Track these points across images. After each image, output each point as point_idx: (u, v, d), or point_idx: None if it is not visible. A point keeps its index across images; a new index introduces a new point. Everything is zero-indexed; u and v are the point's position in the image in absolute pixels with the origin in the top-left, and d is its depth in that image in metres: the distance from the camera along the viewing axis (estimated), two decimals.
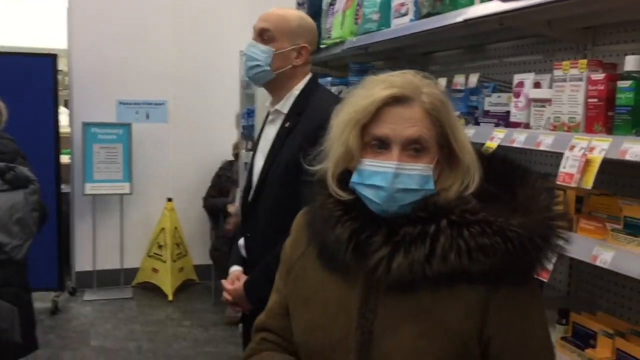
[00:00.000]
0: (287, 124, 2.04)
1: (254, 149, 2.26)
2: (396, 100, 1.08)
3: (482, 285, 1.06)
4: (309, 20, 2.12)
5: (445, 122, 1.10)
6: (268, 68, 2.05)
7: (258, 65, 2.06)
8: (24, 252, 1.94)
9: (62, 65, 5.82)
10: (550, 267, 1.47)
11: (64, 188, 5.50)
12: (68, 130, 5.62)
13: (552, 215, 1.09)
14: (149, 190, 5.61)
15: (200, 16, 5.62)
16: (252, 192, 2.13)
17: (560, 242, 1.09)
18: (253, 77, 2.12)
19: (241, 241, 2.19)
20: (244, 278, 2.11)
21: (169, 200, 5.51)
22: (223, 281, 2.19)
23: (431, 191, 1.09)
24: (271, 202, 2.03)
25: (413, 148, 1.08)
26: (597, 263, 1.42)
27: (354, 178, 1.12)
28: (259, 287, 1.94)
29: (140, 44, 5.53)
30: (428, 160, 1.09)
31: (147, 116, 5.65)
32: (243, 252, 2.17)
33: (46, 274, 4.97)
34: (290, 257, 1.29)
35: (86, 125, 5.31)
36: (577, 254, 1.49)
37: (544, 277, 1.52)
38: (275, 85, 2.10)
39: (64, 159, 5.56)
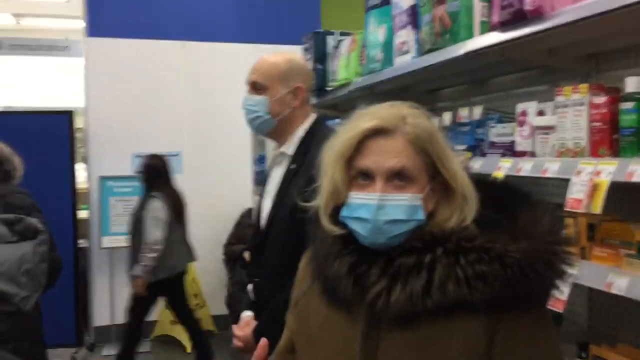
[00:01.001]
0: (292, 166, 2.04)
1: (261, 192, 2.25)
2: (378, 132, 1.09)
3: (485, 314, 1.03)
4: (298, 59, 2.14)
5: (432, 151, 1.08)
6: (268, 116, 2.06)
7: (258, 116, 2.07)
8: (32, 303, 1.93)
9: (80, 123, 5.94)
10: (563, 296, 1.43)
11: (83, 243, 5.55)
12: (86, 185, 5.69)
13: (554, 239, 1.05)
14: None
15: (208, 66, 5.73)
16: (259, 236, 2.11)
17: (565, 268, 1.04)
18: (257, 128, 2.13)
19: (250, 286, 2.16)
20: (254, 324, 2.07)
21: None
22: (233, 327, 2.15)
23: (421, 221, 1.08)
24: (278, 245, 2.01)
25: (397, 178, 1.07)
26: (612, 290, 1.36)
27: (343, 212, 1.12)
28: (268, 333, 1.90)
29: (154, 98, 5.64)
30: (416, 190, 1.08)
31: None
32: (252, 296, 2.14)
33: (64, 330, 4.95)
34: (296, 295, 1.29)
35: (102, 179, 5.37)
36: (591, 282, 1.44)
37: (559, 308, 1.47)
38: (279, 132, 2.12)
39: (83, 214, 5.62)
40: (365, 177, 1.09)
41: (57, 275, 2.62)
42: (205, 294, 5.59)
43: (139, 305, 4.49)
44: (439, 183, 1.11)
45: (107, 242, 5.32)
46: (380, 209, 1.07)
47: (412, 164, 1.07)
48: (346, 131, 1.13)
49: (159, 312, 5.49)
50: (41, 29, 8.00)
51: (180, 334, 5.32)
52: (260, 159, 3.98)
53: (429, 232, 1.08)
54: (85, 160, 6.17)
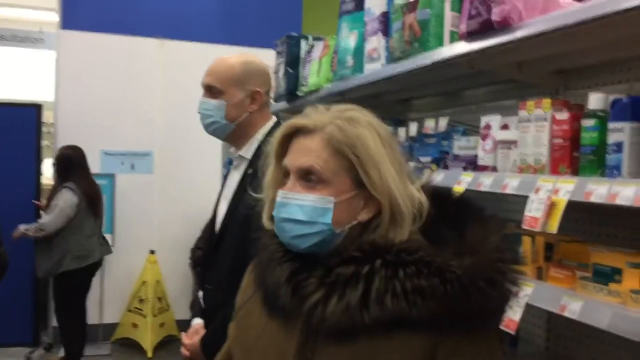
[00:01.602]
0: (249, 170, 1.97)
1: (218, 196, 2.17)
2: (300, 131, 1.07)
3: (426, 332, 0.97)
4: (257, 61, 2.06)
5: (352, 157, 1.03)
6: (225, 121, 1.99)
7: (214, 121, 2.00)
8: None
9: (50, 118, 5.81)
10: (516, 316, 1.38)
11: None
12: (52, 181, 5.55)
13: (501, 257, 1.00)
14: (131, 243, 5.49)
15: (187, 66, 5.64)
16: (212, 241, 2.03)
17: (511, 287, 0.99)
18: (213, 133, 2.06)
19: (200, 292, 2.08)
20: (203, 332, 1.99)
21: (152, 252, 5.39)
22: (182, 334, 2.07)
23: (327, 226, 1.03)
24: (231, 251, 1.93)
25: (308, 179, 1.04)
26: (566, 313, 1.31)
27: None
28: (215, 342, 1.82)
29: (127, 95, 5.53)
30: (328, 193, 1.04)
31: (132, 167, 5.59)
32: (202, 303, 2.06)
33: (20, 329, 4.80)
34: (238, 303, 1.23)
35: None
36: (546, 304, 1.39)
37: (511, 329, 1.41)
38: (237, 136, 2.04)
39: None
40: (287, 175, 1.08)
41: (3, 271, 2.51)
42: (170, 298, 5.47)
43: (62, 305, 4.52)
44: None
45: None
46: (282, 206, 1.06)
47: (324, 164, 1.04)
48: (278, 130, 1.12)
49: (121, 315, 5.36)
50: (16, 20, 7.85)
51: (142, 337, 5.20)
52: (229, 162, 3.89)
53: (370, 242, 1.03)
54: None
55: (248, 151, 2.01)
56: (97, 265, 4.63)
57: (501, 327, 1.47)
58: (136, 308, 5.29)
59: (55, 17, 5.52)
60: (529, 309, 1.48)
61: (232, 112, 1.99)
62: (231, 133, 2.04)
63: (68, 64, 5.38)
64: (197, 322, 2.07)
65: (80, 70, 5.39)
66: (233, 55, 2.08)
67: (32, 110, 5.14)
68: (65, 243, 4.35)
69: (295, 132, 1.08)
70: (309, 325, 1.02)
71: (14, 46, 6.10)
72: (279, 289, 1.06)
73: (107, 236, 5.27)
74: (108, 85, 5.46)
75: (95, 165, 5.42)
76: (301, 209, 1.03)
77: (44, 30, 6.42)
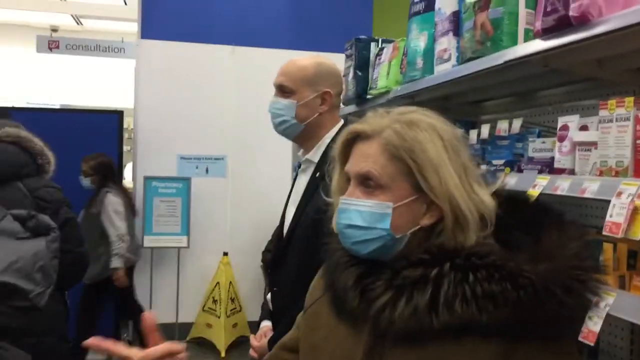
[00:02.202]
0: (317, 174, 1.97)
1: (286, 200, 2.19)
2: (359, 136, 1.07)
3: (498, 341, 0.93)
4: (328, 63, 2.06)
5: (410, 162, 1.02)
6: (295, 121, 2.00)
7: (284, 120, 2.01)
8: (45, 299, 1.93)
9: (131, 124, 6.06)
10: (596, 327, 1.30)
11: None
12: (131, 184, 5.79)
13: (579, 264, 0.95)
14: (205, 244, 5.64)
15: (258, 72, 5.73)
16: (281, 244, 2.05)
17: (590, 296, 0.93)
18: (283, 133, 2.08)
19: (269, 295, 2.09)
20: (271, 334, 2.00)
21: (225, 254, 5.51)
22: (251, 336, 2.09)
23: (386, 231, 1.02)
24: (298, 255, 1.93)
25: (367, 184, 1.04)
26: None
27: None
28: None
29: (202, 101, 5.68)
30: (386, 198, 1.03)
31: (207, 171, 5.74)
32: (271, 306, 2.07)
33: (103, 326, 5.01)
34: (307, 302, 1.25)
35: (147, 179, 5.43)
36: (628, 315, 1.30)
37: (590, 341, 1.34)
38: (306, 137, 2.05)
39: None
40: (349, 181, 1.08)
41: (83, 272, 2.62)
42: (242, 299, 5.57)
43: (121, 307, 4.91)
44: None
45: (149, 241, 5.37)
46: (343, 212, 1.06)
47: (381, 170, 1.03)
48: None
49: (197, 315, 5.51)
50: (101, 31, 8.26)
51: (215, 337, 5.32)
52: (298, 166, 3.92)
53: (438, 245, 1.01)
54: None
55: (315, 154, 2.02)
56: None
57: (580, 338, 1.40)
58: (210, 308, 5.42)
59: (135, 28, 5.76)
60: (611, 319, 1.39)
61: (303, 112, 2.00)
62: (300, 134, 2.05)
63: (146, 71, 5.59)
64: (266, 324, 2.10)
65: (158, 78, 5.59)
66: (305, 57, 2.10)
67: (115, 117, 5.37)
68: (109, 246, 4.58)
69: (356, 138, 1.08)
70: (377, 328, 1.01)
71: (98, 56, 6.40)
72: (347, 292, 1.06)
73: (183, 238, 5.45)
74: (183, 91, 5.63)
75: (172, 169, 5.61)
76: (360, 215, 1.03)
77: (125, 40, 6.70)
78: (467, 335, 0.94)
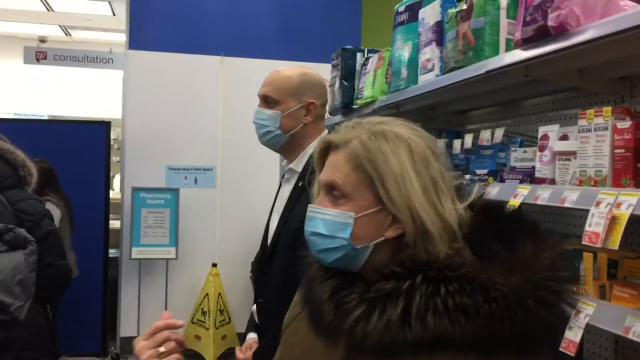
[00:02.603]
0: (300, 183, 1.96)
1: (270, 209, 2.18)
2: (330, 147, 1.08)
3: (472, 354, 0.92)
4: (313, 74, 2.06)
5: (371, 172, 1.02)
6: (279, 132, 2.00)
7: (269, 131, 2.01)
8: (24, 312, 1.91)
9: (119, 134, 6.04)
10: (576, 337, 1.30)
11: (115, 253, 5.59)
12: (119, 195, 5.75)
13: (553, 275, 0.94)
14: (194, 255, 5.60)
15: (247, 82, 5.73)
16: (265, 255, 2.04)
17: (565, 308, 0.93)
18: (267, 143, 2.07)
19: (254, 307, 2.08)
20: (256, 347, 1.98)
21: (214, 265, 5.47)
22: (237, 349, 2.07)
23: (346, 241, 1.02)
24: (283, 265, 1.92)
25: (331, 193, 1.05)
26: (630, 336, 1.22)
27: None
28: (266, 357, 1.82)
29: (190, 111, 5.67)
30: (349, 208, 1.02)
31: (196, 181, 5.71)
32: (256, 317, 2.06)
33: (90, 339, 4.97)
34: (286, 321, 1.24)
35: (135, 190, 5.40)
36: (608, 325, 1.30)
37: (570, 351, 1.33)
38: (290, 147, 2.04)
39: (116, 224, 5.67)
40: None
41: (66, 284, 2.60)
42: (232, 311, 5.53)
43: None
44: None
45: (136, 253, 5.33)
46: (309, 220, 1.07)
47: (345, 179, 1.03)
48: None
49: (185, 327, 5.46)
50: (89, 41, 8.24)
51: (204, 349, 5.28)
52: (283, 176, 3.91)
53: (411, 257, 0.99)
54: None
55: (299, 164, 2.01)
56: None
57: (561, 348, 1.39)
58: (199, 320, 5.38)
59: (123, 38, 5.75)
60: (596, 329, 1.39)
61: (287, 122, 2.00)
62: (285, 144, 2.04)
63: (134, 82, 5.57)
64: (251, 336, 2.08)
65: (146, 88, 5.57)
66: (290, 67, 2.10)
67: (102, 128, 5.35)
68: None
69: (328, 148, 1.09)
70: (352, 342, 1.00)
71: (86, 67, 6.38)
72: (322, 306, 1.04)
73: (171, 249, 5.41)
74: (172, 102, 5.61)
75: (160, 180, 5.58)
76: (323, 223, 1.04)
77: (113, 50, 6.69)
78: (442, 348, 0.93)
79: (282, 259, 1.94)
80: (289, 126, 2.00)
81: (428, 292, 0.94)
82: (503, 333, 0.91)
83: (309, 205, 1.09)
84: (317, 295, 1.07)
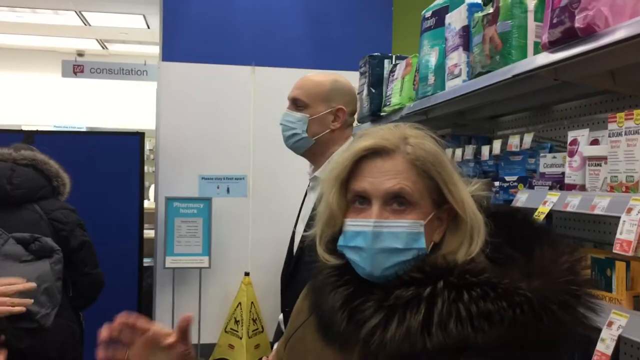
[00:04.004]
0: None
1: (296, 218, 2.17)
2: (375, 152, 1.00)
3: None
4: (343, 81, 2.06)
5: (436, 175, 0.98)
6: (305, 135, 1.99)
7: (295, 134, 2.01)
8: (51, 320, 1.95)
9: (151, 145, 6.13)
10: (608, 350, 1.25)
11: (150, 262, 5.66)
12: (153, 205, 5.83)
13: (574, 279, 0.91)
14: (227, 264, 5.63)
15: (278, 91, 5.76)
16: (290, 264, 2.03)
17: (587, 313, 0.90)
18: (293, 146, 2.07)
19: (280, 316, 2.06)
20: None
21: (247, 274, 5.49)
22: (263, 358, 2.06)
23: (422, 251, 0.97)
24: (308, 274, 1.90)
25: (396, 202, 0.98)
26: None
27: (340, 241, 1.03)
28: None
29: (222, 121, 5.71)
30: (417, 216, 0.97)
31: (228, 190, 5.75)
32: (283, 327, 2.04)
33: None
34: (289, 329, 1.21)
35: (169, 200, 5.47)
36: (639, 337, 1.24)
37: None
38: (316, 152, 2.03)
39: (151, 233, 5.74)
40: (362, 201, 1.01)
41: (98, 292, 2.64)
42: (264, 320, 5.54)
43: None
44: (446, 211, 1.01)
45: (170, 262, 5.38)
46: (377, 236, 0.97)
47: (413, 186, 0.98)
48: (344, 152, 1.05)
49: (219, 336, 5.49)
50: (125, 54, 8.41)
51: (238, 358, 5.29)
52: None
53: (431, 263, 0.97)
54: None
55: (324, 171, 2.00)
56: None
57: None
58: (232, 329, 5.40)
59: (157, 50, 5.84)
60: (633, 342, 1.34)
61: (314, 127, 2.00)
62: (310, 149, 2.04)
63: (167, 93, 5.65)
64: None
65: (179, 99, 5.64)
66: (322, 73, 2.10)
67: (136, 138, 5.43)
68: None
69: (367, 155, 1.02)
70: (367, 352, 0.97)
71: (121, 79, 6.51)
72: (334, 314, 1.01)
73: (204, 258, 5.45)
74: (204, 112, 5.67)
75: (193, 189, 5.63)
76: (396, 237, 0.97)
77: (147, 63, 6.80)
78: (463, 356, 0.90)
79: (306, 268, 1.92)
80: (316, 130, 2.00)
81: (451, 298, 0.91)
82: (527, 339, 0.89)
83: (360, 220, 0.99)
84: (329, 303, 1.03)
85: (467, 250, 0.98)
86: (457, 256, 0.98)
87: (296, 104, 2.01)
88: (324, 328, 1.06)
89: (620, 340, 1.41)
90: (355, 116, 2.39)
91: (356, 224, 1.00)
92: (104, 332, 1.06)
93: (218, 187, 5.72)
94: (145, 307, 5.52)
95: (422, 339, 0.91)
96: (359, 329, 0.97)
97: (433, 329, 0.90)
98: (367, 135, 1.04)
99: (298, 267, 1.96)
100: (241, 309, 5.38)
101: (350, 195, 1.02)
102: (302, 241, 1.97)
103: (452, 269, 0.95)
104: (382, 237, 0.97)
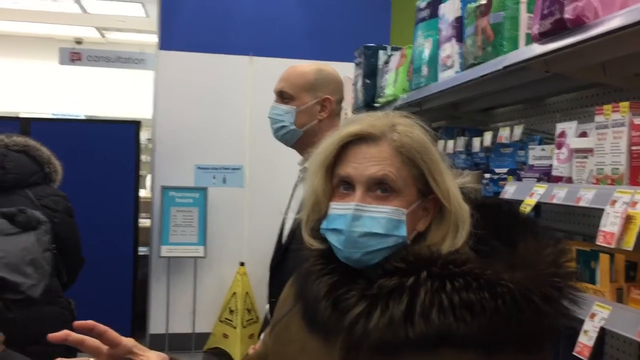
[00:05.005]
0: None
1: (286, 209, 2.17)
2: (361, 138, 1.00)
3: (476, 350, 0.90)
4: (328, 69, 2.05)
5: (422, 164, 0.98)
6: (293, 127, 1.99)
7: (283, 126, 2.01)
8: (40, 291, 1.97)
9: (148, 134, 6.12)
10: (590, 341, 1.25)
11: (145, 251, 5.67)
12: (149, 194, 5.83)
13: (557, 271, 0.92)
14: (222, 254, 5.64)
15: (275, 81, 5.74)
16: (279, 254, 2.03)
17: (569, 305, 0.90)
18: (282, 139, 2.07)
19: (267, 306, 2.07)
20: None
21: (242, 264, 5.50)
22: (250, 348, 2.07)
23: (402, 239, 0.97)
24: (295, 265, 1.90)
25: (380, 189, 0.98)
26: None
27: (323, 224, 1.03)
28: None
29: (219, 111, 5.70)
30: (399, 204, 0.97)
31: (224, 181, 5.74)
32: (269, 316, 2.05)
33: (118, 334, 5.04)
34: (275, 316, 1.20)
35: (165, 189, 5.46)
36: (625, 330, 1.24)
37: (584, 356, 1.28)
38: (305, 143, 2.03)
39: (147, 222, 5.75)
40: (347, 186, 1.01)
41: (78, 274, 2.66)
42: (259, 310, 5.55)
43: None
44: (431, 201, 1.01)
45: (166, 251, 5.39)
46: (356, 219, 0.97)
47: (397, 173, 0.98)
48: (329, 137, 1.05)
49: (213, 325, 5.50)
50: (123, 43, 8.38)
51: (232, 348, 5.30)
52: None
53: (415, 253, 0.97)
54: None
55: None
56: None
57: (574, 352, 1.34)
58: (226, 319, 5.41)
59: (155, 39, 5.82)
60: (617, 334, 1.34)
61: (302, 118, 2.00)
62: (299, 140, 2.03)
63: (165, 82, 5.64)
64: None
65: (176, 88, 5.63)
66: (306, 63, 2.09)
67: (132, 127, 5.43)
68: None
69: (353, 141, 1.02)
70: (351, 340, 0.97)
71: (118, 67, 6.49)
72: (318, 303, 1.01)
73: (199, 247, 5.45)
74: (201, 101, 5.66)
75: (189, 179, 5.63)
76: (377, 222, 0.97)
77: (145, 51, 6.79)
78: (445, 345, 0.91)
79: (295, 259, 1.92)
80: (303, 121, 1.99)
81: (433, 288, 0.92)
82: (508, 329, 0.89)
83: (343, 203, 0.99)
84: (313, 292, 1.03)
85: (452, 242, 0.98)
86: (441, 247, 0.98)
87: (282, 96, 2.01)
88: (309, 317, 1.06)
89: (607, 333, 1.42)
90: (345, 105, 2.38)
91: (338, 207, 1.00)
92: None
93: (214, 177, 5.71)
94: (140, 296, 5.53)
95: (404, 329, 0.91)
96: (342, 317, 0.97)
97: (415, 319, 0.91)
98: (355, 122, 1.04)
99: (286, 257, 1.96)
100: (236, 298, 5.39)
101: (336, 180, 1.02)
102: (291, 230, 1.97)
103: (435, 260, 0.95)
104: (362, 220, 0.97)
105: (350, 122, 1.05)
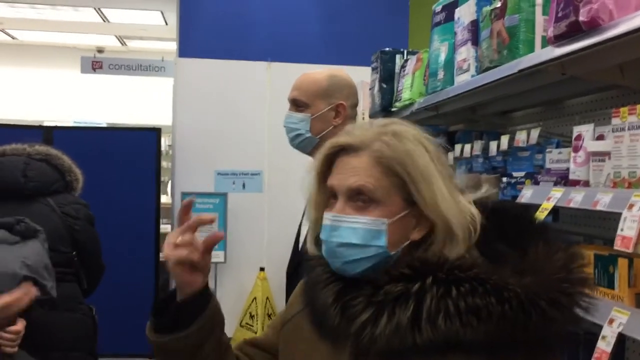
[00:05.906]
0: None
1: (302, 215, 2.17)
2: (345, 149, 1.02)
3: (483, 356, 0.90)
4: (342, 75, 2.05)
5: (403, 173, 0.98)
6: (309, 134, 2.00)
7: (299, 134, 2.02)
8: (55, 292, 2.04)
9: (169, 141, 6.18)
10: (608, 347, 1.23)
11: None
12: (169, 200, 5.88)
13: (567, 276, 0.91)
14: (242, 259, 5.66)
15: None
16: (295, 260, 2.03)
17: (578, 311, 0.89)
18: (298, 147, 2.08)
19: None
20: None
21: (262, 269, 5.51)
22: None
23: (382, 248, 0.98)
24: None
25: (360, 199, 0.99)
26: None
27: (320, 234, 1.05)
28: None
29: (238, 116, 5.73)
30: (380, 214, 0.98)
31: (244, 186, 5.77)
32: None
33: (139, 340, 5.07)
34: (284, 316, 1.22)
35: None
36: (638, 334, 1.22)
37: None
38: None
39: (168, 228, 5.79)
40: (334, 196, 1.03)
41: (99, 280, 2.71)
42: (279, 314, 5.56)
43: None
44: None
45: None
46: (334, 229, 1.00)
47: (375, 184, 0.99)
48: (322, 148, 1.08)
49: (234, 330, 5.52)
50: (144, 51, 8.48)
51: None
52: None
53: (421, 259, 0.98)
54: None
55: None
56: None
57: (593, 359, 1.33)
58: (247, 324, 5.43)
59: (174, 47, 5.88)
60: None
61: (317, 125, 2.00)
62: (316, 147, 2.04)
63: (184, 89, 5.69)
64: None
65: (195, 94, 5.67)
66: (319, 70, 2.10)
67: (153, 134, 5.48)
68: None
69: (339, 151, 1.04)
70: (358, 347, 0.98)
71: (139, 75, 6.57)
72: (326, 310, 1.02)
73: (220, 253, 5.48)
74: (220, 107, 5.69)
75: (209, 184, 5.66)
76: (354, 232, 0.99)
77: (165, 59, 6.86)
78: (452, 351, 0.91)
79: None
80: (319, 129, 2.00)
81: (439, 293, 0.92)
82: (515, 334, 0.89)
83: (327, 213, 1.02)
84: (321, 299, 1.04)
85: (452, 249, 0.98)
86: (447, 253, 0.98)
87: (296, 104, 2.02)
88: (317, 323, 1.07)
89: (628, 338, 1.40)
90: (361, 110, 2.39)
91: (325, 218, 1.03)
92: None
93: (234, 183, 5.74)
94: None
95: (411, 335, 0.91)
96: (350, 324, 0.98)
97: (422, 325, 0.91)
98: (345, 133, 1.06)
99: (302, 263, 1.96)
100: (256, 303, 5.41)
101: (327, 190, 1.05)
102: (307, 237, 1.97)
103: (441, 265, 0.95)
104: (339, 231, 0.99)
105: (344, 132, 1.07)
